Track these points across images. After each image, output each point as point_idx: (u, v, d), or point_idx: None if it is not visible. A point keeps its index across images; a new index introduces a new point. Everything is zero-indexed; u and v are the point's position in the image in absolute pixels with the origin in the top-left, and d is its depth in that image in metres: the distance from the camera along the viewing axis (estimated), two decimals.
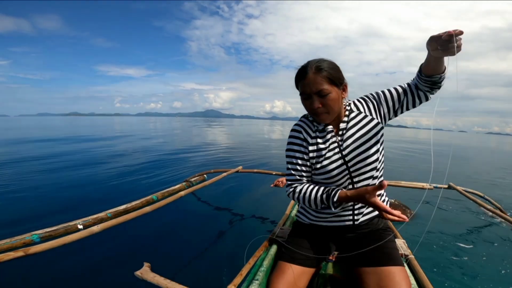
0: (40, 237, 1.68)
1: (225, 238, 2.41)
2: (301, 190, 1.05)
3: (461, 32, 0.69)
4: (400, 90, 0.98)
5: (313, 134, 1.05)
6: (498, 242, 2.48)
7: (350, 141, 0.99)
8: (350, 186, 1.02)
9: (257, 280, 1.05)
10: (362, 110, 1.02)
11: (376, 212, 1.08)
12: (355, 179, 1.01)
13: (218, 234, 2.48)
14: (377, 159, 0.99)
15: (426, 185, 2.88)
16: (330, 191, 0.97)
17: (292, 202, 2.14)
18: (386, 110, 1.01)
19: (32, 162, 5.43)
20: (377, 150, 0.99)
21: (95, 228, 1.35)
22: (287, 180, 1.13)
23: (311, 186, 1.03)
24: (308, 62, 0.93)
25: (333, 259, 1.23)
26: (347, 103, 1.03)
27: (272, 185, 2.40)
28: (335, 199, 0.94)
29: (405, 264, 1.18)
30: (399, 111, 1.01)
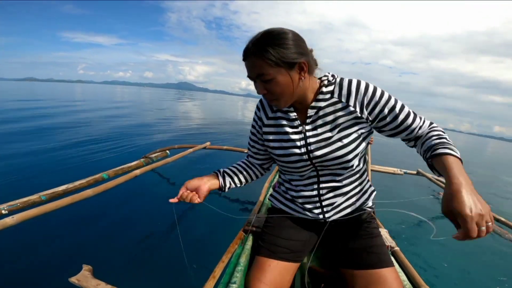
0: None
1: (190, 229, 2.04)
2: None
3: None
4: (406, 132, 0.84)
5: (271, 115, 0.91)
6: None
7: (320, 137, 0.84)
8: (314, 173, 0.91)
9: (234, 283, 0.85)
10: (336, 96, 0.83)
11: (356, 205, 0.96)
12: (320, 172, 0.90)
13: (182, 224, 2.12)
14: (350, 160, 0.84)
15: (397, 170, 2.96)
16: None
17: (266, 185, 1.93)
18: (372, 119, 0.83)
19: None
20: (352, 150, 0.83)
21: (9, 220, 1.01)
22: None
23: (235, 165, 1.03)
24: (251, 39, 0.74)
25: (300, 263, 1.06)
26: (326, 79, 0.84)
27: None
28: None
29: (393, 259, 1.06)
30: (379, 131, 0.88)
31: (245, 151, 2.96)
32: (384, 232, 1.27)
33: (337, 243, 0.95)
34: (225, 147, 3.07)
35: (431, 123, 0.83)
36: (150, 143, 4.64)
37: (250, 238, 1.13)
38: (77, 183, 2.23)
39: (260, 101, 0.95)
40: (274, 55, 0.70)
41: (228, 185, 0.96)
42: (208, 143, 2.98)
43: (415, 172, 3.06)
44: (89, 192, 1.32)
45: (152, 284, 1.44)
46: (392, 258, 1.06)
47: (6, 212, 1.70)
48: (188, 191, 0.86)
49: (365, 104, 0.80)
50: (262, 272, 0.85)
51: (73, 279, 0.87)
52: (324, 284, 1.02)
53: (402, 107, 0.80)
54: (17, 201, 1.79)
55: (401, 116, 0.79)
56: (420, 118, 0.82)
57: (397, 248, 1.15)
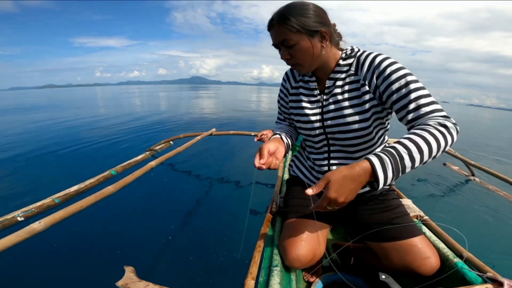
0: None
1: (214, 218, 1.99)
2: (275, 127, 1.08)
3: None
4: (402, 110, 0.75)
5: (294, 84, 0.98)
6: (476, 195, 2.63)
7: (333, 106, 0.86)
8: (326, 148, 0.94)
9: (276, 266, 0.85)
10: (353, 70, 0.84)
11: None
12: (332, 148, 0.93)
13: (205, 214, 2.06)
14: (359, 136, 0.85)
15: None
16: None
17: (281, 163, 1.90)
18: (378, 96, 0.80)
19: None
20: (363, 126, 0.83)
21: (37, 226, 0.95)
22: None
23: (279, 126, 1.06)
24: (275, 12, 0.80)
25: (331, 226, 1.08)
26: (345, 52, 0.85)
27: (256, 139, 2.16)
28: None
29: (423, 227, 1.07)
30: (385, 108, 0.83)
31: (253, 134, 2.90)
32: (408, 202, 1.26)
33: (355, 217, 0.96)
34: (231, 132, 3.01)
35: (444, 117, 0.68)
36: (152, 136, 4.52)
37: (279, 219, 1.13)
38: (87, 182, 2.17)
39: (286, 73, 1.01)
40: (296, 23, 0.75)
41: (290, 144, 0.97)
42: (213, 130, 2.90)
43: None
44: (110, 189, 1.25)
45: (193, 277, 1.40)
46: (425, 228, 1.06)
47: (22, 218, 1.64)
48: (269, 156, 0.81)
49: (374, 79, 0.78)
50: (296, 232, 0.87)
51: (120, 283, 0.80)
52: (354, 258, 1.03)
53: (417, 89, 0.72)
54: (31, 206, 1.73)
55: (407, 98, 0.72)
56: (432, 107, 0.70)
57: (426, 217, 1.13)
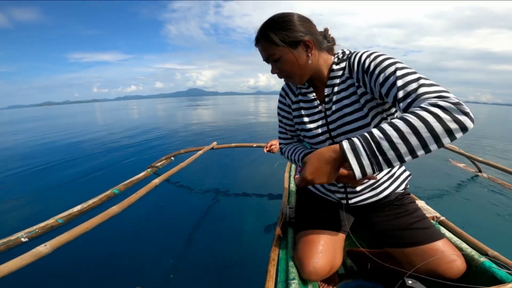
0: None
1: (221, 233, 1.94)
2: (286, 150, 1.03)
3: None
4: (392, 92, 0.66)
5: (294, 99, 0.95)
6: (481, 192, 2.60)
7: (336, 115, 0.83)
8: None
9: (293, 279, 0.81)
10: (347, 72, 0.81)
11: (384, 194, 0.91)
12: None
13: (211, 229, 2.00)
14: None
15: None
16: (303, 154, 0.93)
17: (286, 174, 1.90)
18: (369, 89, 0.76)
19: None
20: (367, 124, 0.79)
21: (43, 249, 0.94)
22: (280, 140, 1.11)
23: (293, 147, 0.99)
24: (259, 27, 0.81)
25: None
26: (336, 57, 0.84)
27: (265, 150, 2.15)
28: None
29: (441, 229, 1.04)
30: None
31: (254, 145, 2.91)
32: (422, 203, 1.24)
33: (372, 224, 0.92)
34: (233, 144, 3.01)
35: (438, 97, 0.55)
36: (152, 152, 4.48)
37: (290, 230, 1.10)
38: (90, 202, 2.16)
39: (283, 88, 0.99)
40: (275, 37, 0.75)
41: None
42: (214, 143, 2.91)
43: None
44: (115, 209, 1.24)
45: None
46: (443, 229, 1.03)
47: (26, 239, 1.63)
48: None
49: (364, 77, 0.74)
50: (311, 244, 0.84)
51: None
52: (370, 264, 1.00)
53: (403, 68, 0.65)
54: (34, 227, 1.73)
55: (393, 77, 0.65)
56: (420, 82, 0.61)
57: (443, 218, 1.11)
